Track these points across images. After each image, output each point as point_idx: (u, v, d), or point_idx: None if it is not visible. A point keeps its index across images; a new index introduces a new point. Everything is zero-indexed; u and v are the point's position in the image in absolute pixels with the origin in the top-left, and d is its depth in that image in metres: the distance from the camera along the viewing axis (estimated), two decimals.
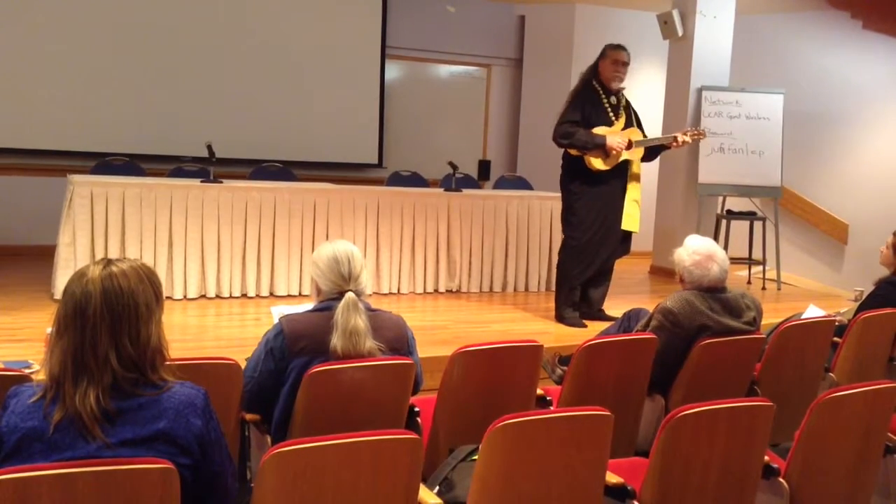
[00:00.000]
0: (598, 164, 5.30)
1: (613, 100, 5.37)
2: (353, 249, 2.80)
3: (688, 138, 5.47)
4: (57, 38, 7.28)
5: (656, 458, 2.33)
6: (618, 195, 5.39)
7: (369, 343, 2.67)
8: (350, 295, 2.68)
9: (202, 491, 1.91)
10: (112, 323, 1.81)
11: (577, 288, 5.52)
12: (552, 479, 2.20)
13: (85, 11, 7.36)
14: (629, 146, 5.30)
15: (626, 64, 5.34)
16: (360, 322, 2.66)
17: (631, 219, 5.44)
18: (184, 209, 5.60)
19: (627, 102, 5.47)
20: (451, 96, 9.35)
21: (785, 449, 2.71)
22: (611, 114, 5.33)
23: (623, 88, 5.44)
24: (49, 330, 1.90)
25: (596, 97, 5.35)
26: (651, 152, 5.53)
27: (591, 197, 5.35)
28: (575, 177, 5.38)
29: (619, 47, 5.37)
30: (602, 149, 5.23)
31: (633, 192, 5.43)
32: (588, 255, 5.41)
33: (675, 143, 5.45)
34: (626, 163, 5.36)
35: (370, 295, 4.94)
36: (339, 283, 2.73)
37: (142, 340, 1.84)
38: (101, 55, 7.44)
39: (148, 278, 1.90)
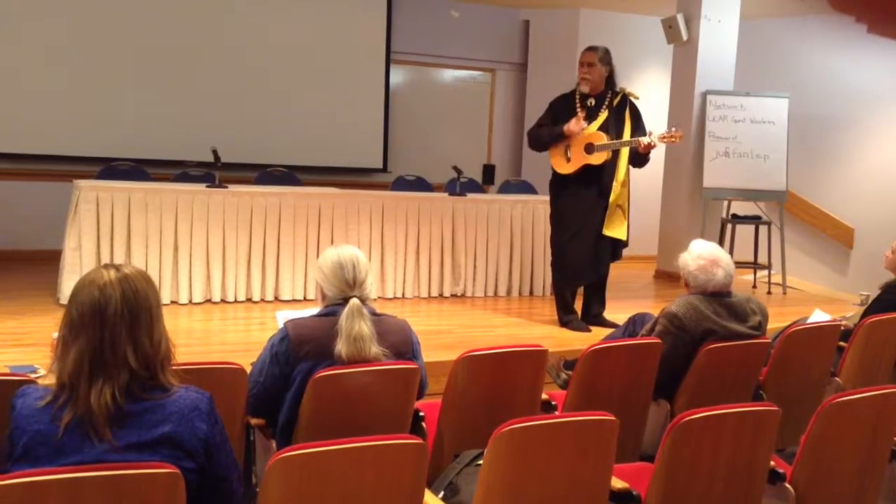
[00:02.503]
0: (560, 168, 5.31)
1: (591, 102, 5.27)
2: (358, 254, 2.79)
3: (655, 140, 5.05)
4: (62, 43, 7.30)
5: (662, 464, 2.32)
6: (595, 200, 5.25)
7: (374, 349, 2.67)
8: (355, 301, 2.68)
9: (207, 495, 1.91)
10: (131, 322, 1.85)
11: (573, 292, 5.52)
12: (557, 484, 2.20)
13: (90, 17, 7.38)
14: (590, 149, 5.14)
15: (590, 64, 5.21)
16: (365, 328, 2.66)
17: (615, 225, 5.26)
18: (189, 214, 5.61)
19: (623, 105, 5.24)
20: (456, 101, 9.35)
21: (791, 454, 2.71)
22: (581, 117, 5.23)
23: (606, 89, 5.25)
24: (55, 335, 1.91)
25: (570, 101, 5.33)
26: (638, 158, 5.25)
27: (568, 199, 5.34)
28: (553, 179, 5.43)
29: (587, 48, 5.33)
30: (565, 138, 5.20)
31: (617, 197, 5.24)
32: (570, 257, 5.35)
33: (640, 147, 5.07)
34: (599, 168, 5.19)
35: (375, 299, 4.95)
36: (344, 289, 2.72)
37: (156, 339, 1.89)
38: (107, 60, 7.46)
39: (151, 282, 1.96)
